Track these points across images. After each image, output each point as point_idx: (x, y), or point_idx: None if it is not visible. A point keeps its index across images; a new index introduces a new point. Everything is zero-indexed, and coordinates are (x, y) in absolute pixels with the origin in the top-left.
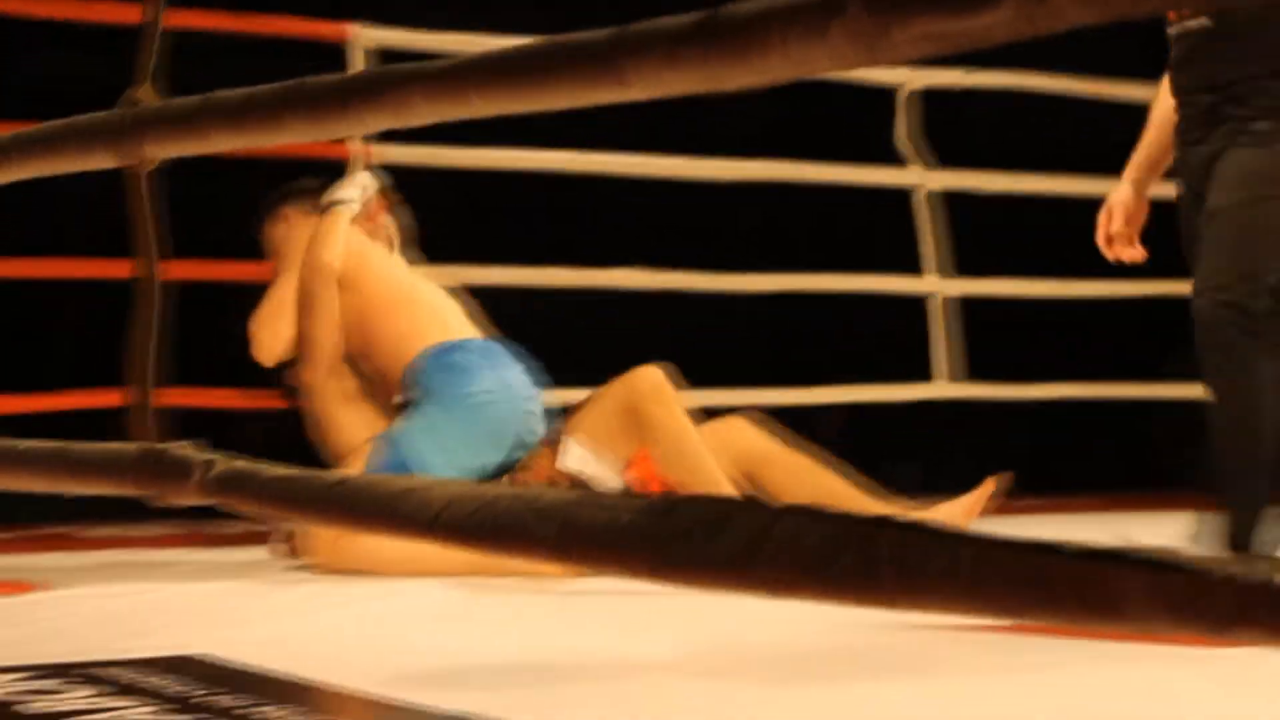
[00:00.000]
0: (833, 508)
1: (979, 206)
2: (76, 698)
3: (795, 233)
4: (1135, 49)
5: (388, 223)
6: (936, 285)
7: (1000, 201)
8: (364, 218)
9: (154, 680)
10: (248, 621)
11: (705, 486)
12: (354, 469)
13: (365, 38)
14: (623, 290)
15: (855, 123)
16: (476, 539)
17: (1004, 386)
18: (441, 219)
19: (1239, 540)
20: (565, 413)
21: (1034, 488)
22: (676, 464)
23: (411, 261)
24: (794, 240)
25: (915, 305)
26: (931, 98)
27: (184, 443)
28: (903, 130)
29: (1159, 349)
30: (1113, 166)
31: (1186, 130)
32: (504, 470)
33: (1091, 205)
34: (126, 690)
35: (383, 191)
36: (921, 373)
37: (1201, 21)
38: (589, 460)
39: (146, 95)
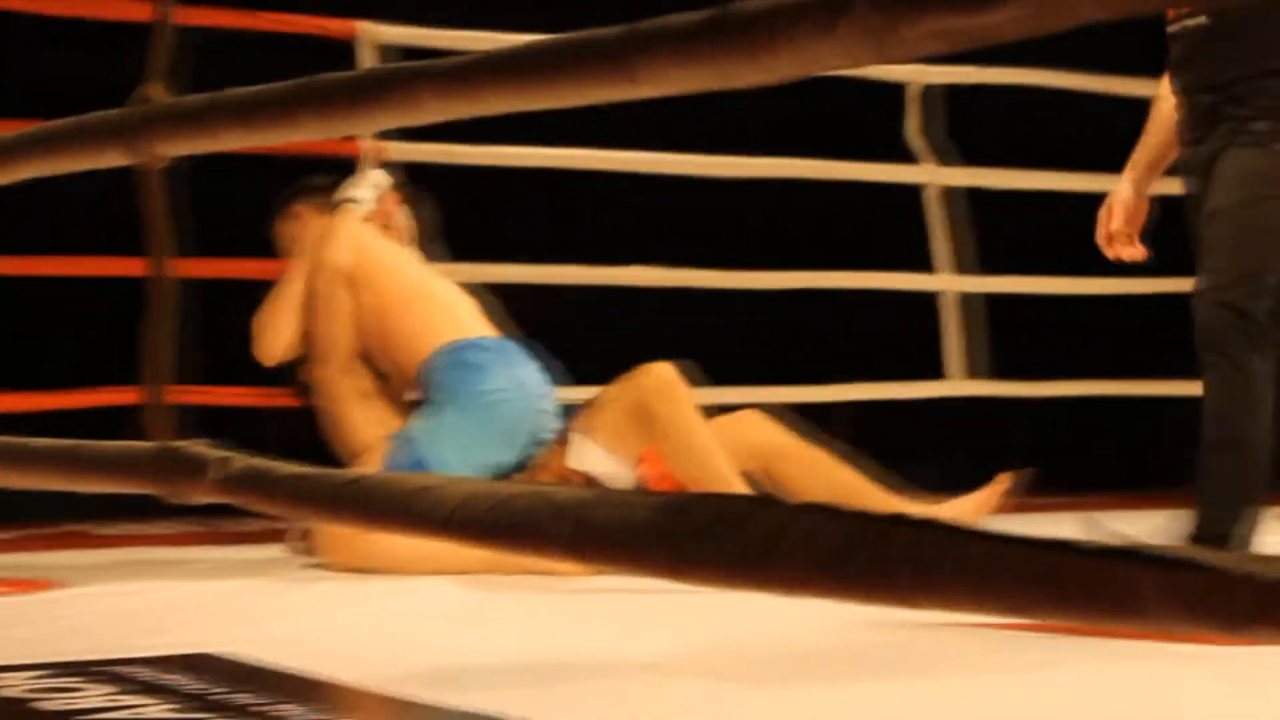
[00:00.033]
0: (848, 506)
1: (985, 203)
2: (95, 696)
3: (802, 229)
4: (1140, 45)
5: (402, 219)
6: (950, 282)
7: (1005, 198)
8: (378, 215)
9: (171, 678)
10: (264, 619)
11: (714, 483)
12: (369, 467)
13: (373, 35)
14: (632, 287)
15: (861, 119)
16: (492, 537)
17: (1018, 384)
18: (449, 216)
19: (1211, 537)
20: (576, 410)
21: (1046, 485)
22: (685, 461)
23: (429, 257)
24: (802, 237)
25: (917, 302)
26: (930, 94)
27: (199, 441)
28: (914, 126)
29: (1166, 346)
30: (1116, 163)
31: (1187, 130)
32: (518, 469)
33: (1095, 201)
34: (144, 688)
35: (396, 187)
36: (928, 371)
37: (1200, 20)
38: (600, 458)
39: (157, 93)
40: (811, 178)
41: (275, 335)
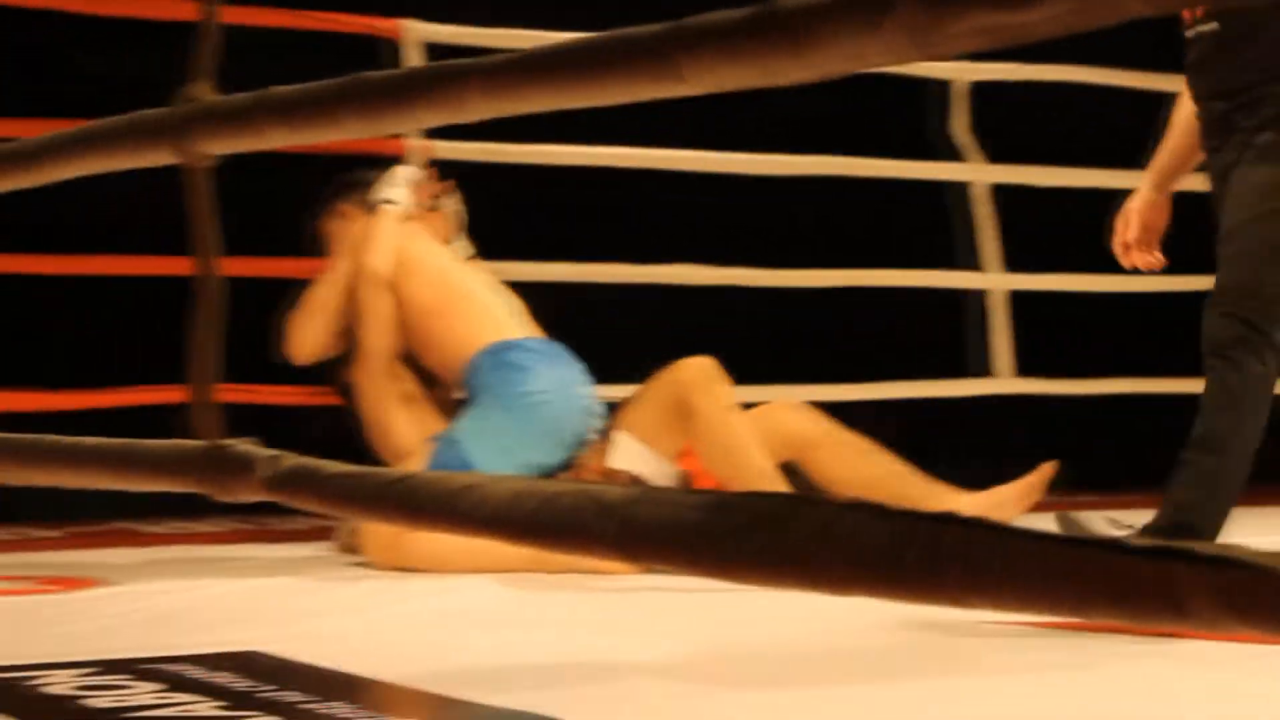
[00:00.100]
0: (895, 504)
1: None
2: (144, 693)
3: (829, 228)
4: (1161, 40)
5: (441, 211)
6: (995, 281)
7: (1008, 195)
8: (417, 213)
9: (216, 676)
10: (308, 617)
11: (750, 479)
12: (412, 469)
13: (419, 33)
14: (660, 285)
15: (890, 117)
16: (538, 536)
17: (1060, 382)
18: (489, 215)
19: (1170, 530)
20: (614, 410)
21: (1077, 484)
22: (720, 457)
23: (469, 251)
24: (827, 235)
25: (928, 302)
26: (933, 90)
27: (246, 439)
28: (961, 124)
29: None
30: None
31: (1204, 136)
32: (561, 469)
33: (1110, 197)
34: (193, 686)
35: (434, 181)
36: (947, 370)
37: (1212, 26)
38: (642, 455)
39: (203, 92)
40: (841, 175)
41: (304, 336)
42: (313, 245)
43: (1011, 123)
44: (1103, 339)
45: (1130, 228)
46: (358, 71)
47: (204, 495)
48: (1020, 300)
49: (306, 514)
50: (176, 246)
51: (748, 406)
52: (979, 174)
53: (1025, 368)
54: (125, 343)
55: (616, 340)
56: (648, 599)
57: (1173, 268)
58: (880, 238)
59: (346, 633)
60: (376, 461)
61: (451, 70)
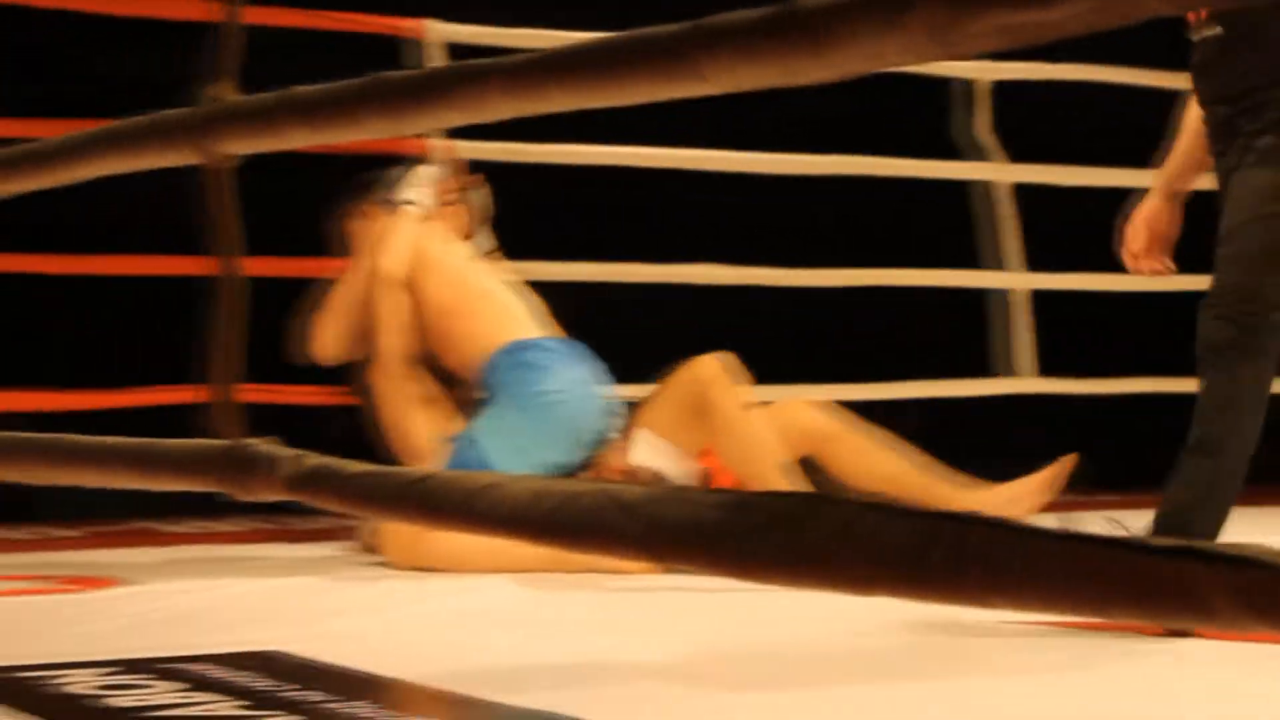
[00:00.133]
0: (916, 501)
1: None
2: (166, 692)
3: (852, 228)
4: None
5: (462, 208)
6: (1017, 280)
7: (1045, 194)
8: (436, 212)
9: (235, 676)
10: (328, 617)
11: (766, 476)
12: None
13: (441, 33)
14: (689, 285)
15: (911, 117)
16: (558, 535)
17: (1082, 381)
18: (510, 214)
19: (1168, 532)
20: (633, 409)
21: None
22: (738, 454)
23: (491, 243)
24: (853, 236)
25: (959, 300)
26: (970, 90)
27: (266, 439)
28: (984, 123)
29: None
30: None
31: (1211, 141)
32: (578, 469)
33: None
34: (215, 685)
35: (455, 174)
36: (981, 369)
37: (1215, 31)
38: (662, 453)
39: (226, 92)
40: (856, 174)
41: (329, 336)
42: (334, 245)
43: (1033, 122)
44: (1124, 338)
45: (1138, 238)
46: (377, 72)
47: (224, 494)
48: (1039, 299)
49: (327, 513)
50: (190, 246)
51: (766, 402)
52: (1000, 173)
53: (1045, 367)
54: (139, 343)
55: (639, 340)
56: (667, 599)
57: (1194, 267)
58: (901, 237)
59: (366, 632)
60: (392, 463)
61: (472, 70)
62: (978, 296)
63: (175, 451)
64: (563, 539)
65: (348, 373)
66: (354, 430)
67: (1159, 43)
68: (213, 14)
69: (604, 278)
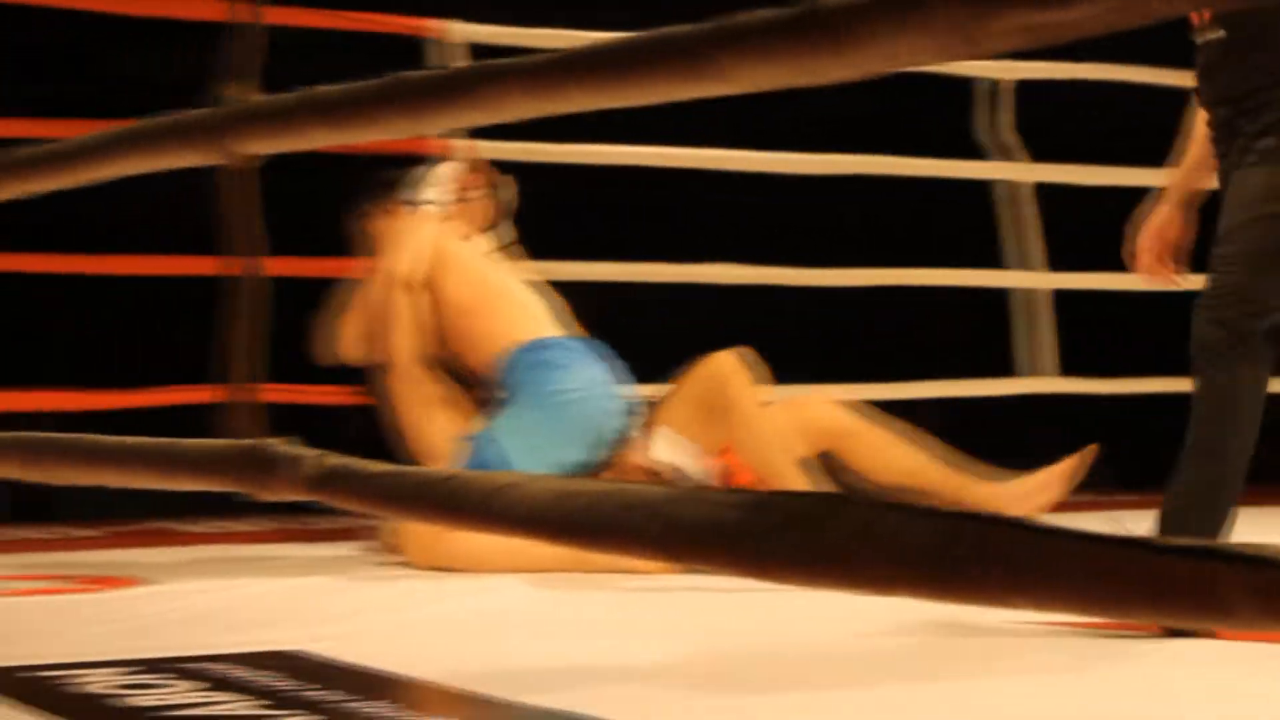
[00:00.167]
0: (936, 499)
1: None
2: (177, 692)
3: (874, 227)
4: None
5: (482, 203)
6: (1039, 280)
7: (1067, 193)
8: (456, 210)
9: (255, 675)
10: (344, 617)
11: (783, 473)
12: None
13: (461, 34)
14: (711, 285)
15: (933, 116)
16: (577, 535)
17: (1104, 381)
18: (531, 214)
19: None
20: (650, 408)
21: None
22: (756, 451)
23: (511, 236)
24: (876, 235)
25: (981, 300)
26: (943, 87)
27: (284, 438)
28: (1007, 123)
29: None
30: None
31: (1214, 143)
32: (595, 468)
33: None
34: (226, 685)
35: (474, 170)
36: (1003, 368)
37: (1218, 34)
38: (679, 450)
39: (247, 92)
40: (878, 174)
41: (346, 337)
42: (355, 245)
43: (1055, 121)
44: (1145, 338)
45: (1151, 247)
46: (396, 72)
47: (243, 494)
48: (1060, 299)
49: (347, 513)
50: (212, 246)
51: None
52: (1022, 173)
53: (1065, 367)
54: (159, 343)
55: (661, 339)
56: (686, 599)
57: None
58: (923, 237)
59: (385, 632)
60: (409, 463)
61: (492, 70)
62: (999, 296)
63: (195, 451)
64: (581, 539)
65: (365, 373)
66: (370, 430)
67: (1180, 42)
68: (234, 14)
69: (626, 278)
